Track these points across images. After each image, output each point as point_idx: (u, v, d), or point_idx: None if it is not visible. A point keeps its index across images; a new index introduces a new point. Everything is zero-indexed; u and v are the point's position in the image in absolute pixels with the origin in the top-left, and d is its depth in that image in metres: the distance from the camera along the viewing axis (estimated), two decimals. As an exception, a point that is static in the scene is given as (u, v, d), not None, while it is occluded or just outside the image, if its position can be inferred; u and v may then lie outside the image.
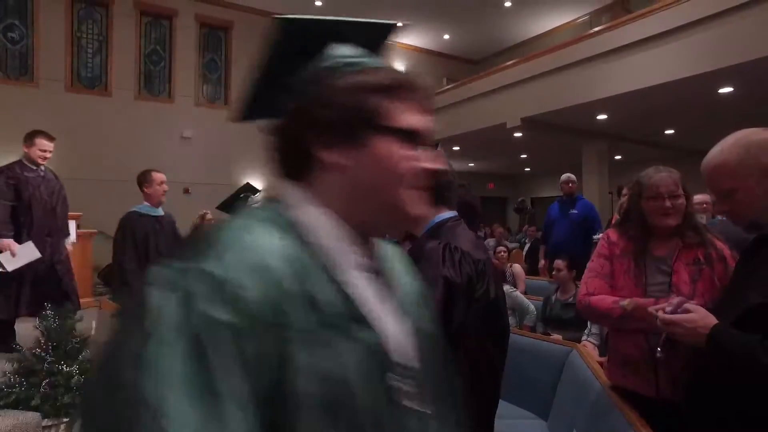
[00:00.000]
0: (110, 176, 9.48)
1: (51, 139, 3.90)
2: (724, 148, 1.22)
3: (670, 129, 8.50)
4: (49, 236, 3.72)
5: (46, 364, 2.51)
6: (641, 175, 1.73)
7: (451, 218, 1.43)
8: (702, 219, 2.74)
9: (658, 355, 1.41)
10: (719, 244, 1.66)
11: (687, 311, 1.21)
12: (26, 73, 9.23)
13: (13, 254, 3.32)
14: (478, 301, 1.28)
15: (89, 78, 9.79)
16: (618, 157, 10.65)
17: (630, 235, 1.72)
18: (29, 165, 3.68)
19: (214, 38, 11.08)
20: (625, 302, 1.58)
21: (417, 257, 1.33)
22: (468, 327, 1.26)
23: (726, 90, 6.03)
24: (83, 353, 2.69)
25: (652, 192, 1.66)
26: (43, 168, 3.84)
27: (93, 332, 3.80)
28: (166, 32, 10.53)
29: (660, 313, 1.24)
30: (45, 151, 3.81)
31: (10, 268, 3.31)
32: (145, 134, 10.02)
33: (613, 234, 1.80)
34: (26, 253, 3.40)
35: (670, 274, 1.63)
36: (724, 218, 1.90)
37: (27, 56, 9.23)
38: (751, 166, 1.15)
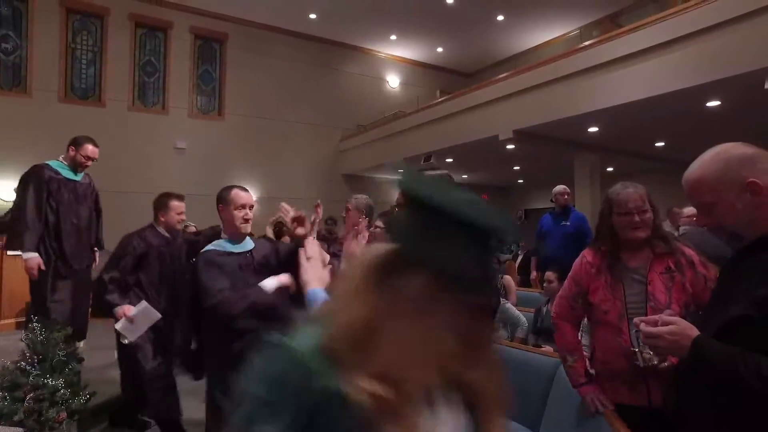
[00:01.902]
0: (103, 187, 9.41)
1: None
2: (703, 163, 1.24)
3: (661, 141, 8.60)
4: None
5: (31, 378, 2.47)
6: (610, 191, 1.87)
7: None
8: (669, 229, 2.95)
9: (640, 364, 1.48)
10: (687, 251, 1.77)
11: (668, 323, 1.22)
12: (20, 83, 9.22)
13: (131, 321, 2.84)
14: None
15: (83, 89, 9.79)
16: (610, 169, 10.75)
17: (603, 251, 1.83)
18: (160, 231, 3.28)
19: (208, 50, 11.14)
20: (570, 361, 1.90)
21: None
22: None
23: (714, 103, 6.12)
24: (70, 366, 2.66)
25: (621, 208, 1.77)
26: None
27: (81, 345, 3.75)
28: (161, 44, 10.58)
29: (642, 326, 1.25)
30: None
31: (132, 338, 2.86)
32: (139, 145, 10.01)
33: (588, 254, 1.89)
34: (145, 316, 2.89)
35: (645, 283, 1.73)
36: (692, 228, 2.02)
37: (20, 67, 9.23)
38: (731, 181, 1.17)
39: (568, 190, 4.89)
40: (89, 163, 3.77)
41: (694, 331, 1.16)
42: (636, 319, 1.33)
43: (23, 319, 4.86)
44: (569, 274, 1.95)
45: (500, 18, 11.15)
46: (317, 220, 2.43)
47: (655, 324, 1.24)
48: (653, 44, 5.83)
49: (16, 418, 2.37)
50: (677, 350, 1.18)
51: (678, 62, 5.65)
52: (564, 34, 11.80)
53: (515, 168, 11.73)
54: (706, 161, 1.23)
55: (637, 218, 1.74)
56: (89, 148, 3.68)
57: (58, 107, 9.40)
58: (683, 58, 5.60)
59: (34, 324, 2.61)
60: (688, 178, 1.25)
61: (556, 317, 1.97)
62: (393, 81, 13.67)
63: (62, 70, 9.54)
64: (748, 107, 6.12)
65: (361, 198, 3.22)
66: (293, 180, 11.72)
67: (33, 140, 9.02)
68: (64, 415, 2.45)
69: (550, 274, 3.59)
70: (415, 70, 13.91)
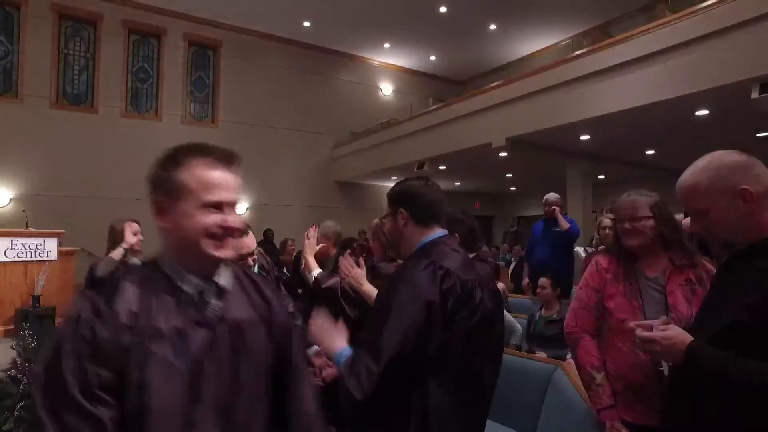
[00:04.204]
0: (95, 194, 9.37)
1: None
2: (696, 170, 1.26)
3: (651, 150, 8.70)
4: None
5: (22, 386, 2.43)
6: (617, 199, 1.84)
7: (441, 237, 1.43)
8: None
9: (665, 372, 1.40)
10: (708, 265, 1.71)
11: (663, 329, 1.23)
12: (11, 89, 9.16)
13: None
14: (460, 321, 1.28)
15: (75, 95, 9.74)
16: (601, 177, 10.85)
17: (617, 258, 1.79)
18: None
19: (202, 57, 11.14)
20: (599, 379, 1.70)
21: (397, 278, 1.34)
22: (452, 348, 1.27)
23: (702, 112, 6.22)
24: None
25: (616, 215, 1.81)
26: None
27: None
28: (155, 50, 10.57)
29: (639, 331, 1.26)
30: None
31: None
32: (131, 152, 9.94)
33: (603, 260, 1.84)
34: None
35: (664, 293, 1.67)
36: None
37: (12, 72, 9.17)
38: (723, 188, 1.19)
39: (557, 201, 4.74)
40: None
41: (689, 337, 1.18)
42: (631, 323, 1.35)
43: (11, 327, 4.79)
44: (583, 282, 1.86)
45: (492, 27, 11.27)
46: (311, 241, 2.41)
47: (650, 329, 1.26)
48: (644, 54, 5.92)
49: (5, 427, 2.33)
50: (672, 356, 1.19)
51: (667, 72, 5.74)
52: (555, 44, 11.95)
53: (508, 176, 11.81)
54: (699, 168, 1.25)
55: (627, 225, 1.74)
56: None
57: (50, 113, 9.34)
58: (673, 67, 5.69)
59: (26, 331, 2.57)
60: (682, 185, 1.27)
61: (576, 331, 1.81)
62: (386, 89, 13.73)
63: (54, 76, 9.49)
64: (735, 116, 6.23)
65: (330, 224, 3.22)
66: (286, 187, 11.70)
67: (24, 146, 8.96)
68: (55, 424, 2.42)
69: (543, 280, 3.61)
70: (408, 78, 14.00)
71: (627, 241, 1.75)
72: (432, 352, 1.24)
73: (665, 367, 1.36)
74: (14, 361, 2.52)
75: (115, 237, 2.85)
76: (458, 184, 13.03)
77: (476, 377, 1.34)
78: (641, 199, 1.76)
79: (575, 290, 4.30)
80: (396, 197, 1.49)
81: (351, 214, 11.68)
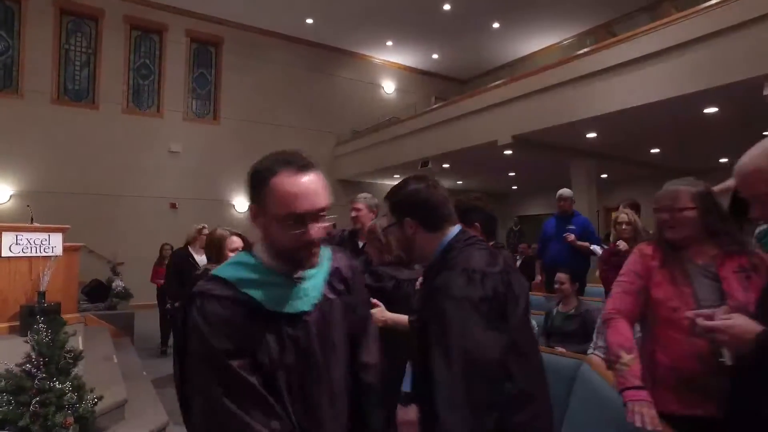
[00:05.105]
0: (96, 190, 9.29)
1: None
2: (756, 155, 1.22)
3: (656, 148, 8.69)
4: None
5: (36, 381, 2.37)
6: None
7: (457, 236, 1.36)
8: None
9: (727, 362, 1.30)
10: (763, 255, 1.64)
11: (727, 317, 1.19)
12: (11, 84, 9.07)
13: None
14: (512, 316, 1.24)
15: (76, 91, 9.66)
16: (604, 176, 10.84)
17: (662, 246, 1.71)
18: None
19: (204, 53, 11.07)
20: (625, 359, 1.57)
21: (435, 298, 1.25)
22: (518, 343, 1.23)
23: (711, 110, 6.20)
24: (75, 369, 2.56)
25: (657, 205, 1.72)
26: None
27: (80, 347, 3.64)
28: (156, 46, 10.49)
29: (700, 320, 1.22)
30: None
31: None
32: (132, 148, 9.88)
33: (647, 247, 1.76)
34: None
35: (717, 281, 1.59)
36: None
37: (12, 67, 9.08)
38: None
39: (571, 196, 4.80)
40: None
41: (757, 326, 1.13)
42: (689, 313, 1.30)
43: (17, 323, 4.71)
44: (625, 268, 1.78)
45: (496, 25, 11.26)
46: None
47: (711, 318, 1.21)
48: (654, 51, 5.90)
49: (21, 423, 2.27)
50: (740, 345, 1.15)
51: (678, 69, 5.72)
52: (557, 43, 11.94)
53: (510, 174, 11.78)
54: (759, 153, 1.22)
55: (665, 216, 1.67)
56: None
57: (51, 109, 9.25)
58: (683, 64, 5.67)
59: (40, 325, 2.51)
60: (743, 170, 1.24)
61: (614, 312, 1.72)
62: (388, 87, 13.69)
63: (55, 71, 9.41)
64: (746, 114, 6.21)
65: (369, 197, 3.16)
66: (288, 185, 11.62)
67: (24, 142, 8.87)
68: (71, 420, 2.36)
69: (561, 276, 3.57)
70: (410, 76, 13.96)
71: (667, 234, 1.68)
72: (501, 355, 1.18)
73: (727, 357, 1.29)
74: (28, 356, 2.46)
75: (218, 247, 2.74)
76: (460, 182, 13.00)
77: (538, 362, 1.32)
78: (683, 189, 1.67)
79: (588, 288, 4.30)
80: (400, 206, 1.40)
81: (353, 213, 11.61)
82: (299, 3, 10.16)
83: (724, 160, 9.50)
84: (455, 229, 1.37)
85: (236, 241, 2.75)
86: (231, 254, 2.63)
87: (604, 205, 10.67)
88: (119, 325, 6.09)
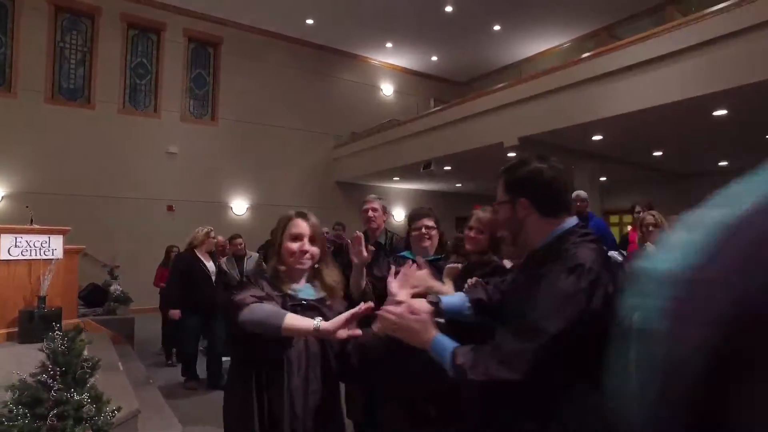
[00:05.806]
0: (91, 192, 9.07)
1: None
2: None
3: (659, 151, 8.69)
4: None
5: (53, 392, 2.22)
6: None
7: (574, 228, 1.24)
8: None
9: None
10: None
11: None
12: (3, 83, 8.83)
13: None
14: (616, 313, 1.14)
15: (71, 90, 9.43)
16: (602, 179, 10.83)
17: None
18: None
19: (202, 53, 10.90)
20: None
21: (538, 277, 1.16)
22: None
23: (720, 113, 6.19)
24: (93, 379, 2.42)
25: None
26: None
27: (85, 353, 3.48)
28: (154, 46, 10.30)
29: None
30: None
31: None
32: (129, 149, 9.68)
33: None
34: None
35: None
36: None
37: (5, 65, 8.84)
38: None
39: (587, 198, 4.79)
40: None
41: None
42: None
43: (15, 329, 4.52)
44: None
45: (497, 28, 11.23)
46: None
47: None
48: (663, 53, 5.87)
49: (38, 437, 2.12)
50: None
51: (686, 71, 5.70)
52: (558, 45, 11.95)
53: (510, 177, 11.73)
54: None
55: None
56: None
57: (45, 108, 9.02)
58: (693, 67, 5.65)
59: (56, 333, 2.36)
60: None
61: None
62: (387, 89, 13.61)
63: (49, 70, 9.18)
64: (756, 116, 6.21)
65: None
66: (286, 187, 11.49)
67: (18, 142, 8.63)
68: (90, 433, 2.21)
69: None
70: (409, 78, 13.90)
71: None
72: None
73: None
74: (44, 365, 2.31)
75: None
76: (459, 185, 12.94)
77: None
78: None
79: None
80: (517, 184, 1.30)
81: (352, 215, 11.49)
82: (299, 4, 10.04)
83: (723, 163, 9.55)
84: (571, 221, 1.26)
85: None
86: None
87: (602, 208, 10.67)
88: (119, 330, 5.90)
